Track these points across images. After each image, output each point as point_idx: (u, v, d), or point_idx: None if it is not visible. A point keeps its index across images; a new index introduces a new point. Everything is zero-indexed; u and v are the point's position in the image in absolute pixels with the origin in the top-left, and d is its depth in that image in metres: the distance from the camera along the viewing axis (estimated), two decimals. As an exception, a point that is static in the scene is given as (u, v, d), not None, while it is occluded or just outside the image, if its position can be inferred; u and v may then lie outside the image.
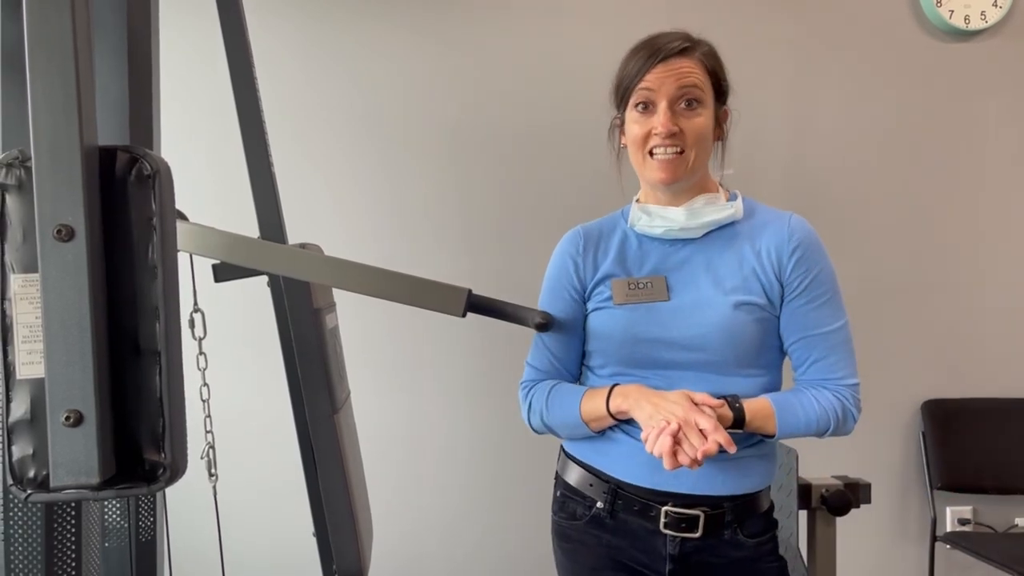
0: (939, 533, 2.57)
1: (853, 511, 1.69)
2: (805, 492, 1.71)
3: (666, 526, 1.24)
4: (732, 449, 1.10)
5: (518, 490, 2.56)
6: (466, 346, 2.53)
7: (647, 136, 1.25)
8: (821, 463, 2.21)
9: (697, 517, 1.24)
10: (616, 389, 1.25)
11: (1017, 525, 2.64)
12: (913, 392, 2.63)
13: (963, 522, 2.62)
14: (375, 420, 2.45)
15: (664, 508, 1.24)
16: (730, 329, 1.22)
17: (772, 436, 1.24)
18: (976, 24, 2.57)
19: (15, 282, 0.80)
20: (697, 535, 1.24)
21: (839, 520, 1.71)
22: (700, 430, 1.11)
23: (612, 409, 1.24)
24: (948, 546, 2.53)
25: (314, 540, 1.73)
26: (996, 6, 2.56)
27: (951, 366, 2.64)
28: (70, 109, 0.76)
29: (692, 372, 1.23)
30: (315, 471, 1.62)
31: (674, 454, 1.11)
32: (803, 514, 1.73)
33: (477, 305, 1.39)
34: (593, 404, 1.27)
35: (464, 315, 1.38)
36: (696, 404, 1.17)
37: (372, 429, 2.38)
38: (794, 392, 1.27)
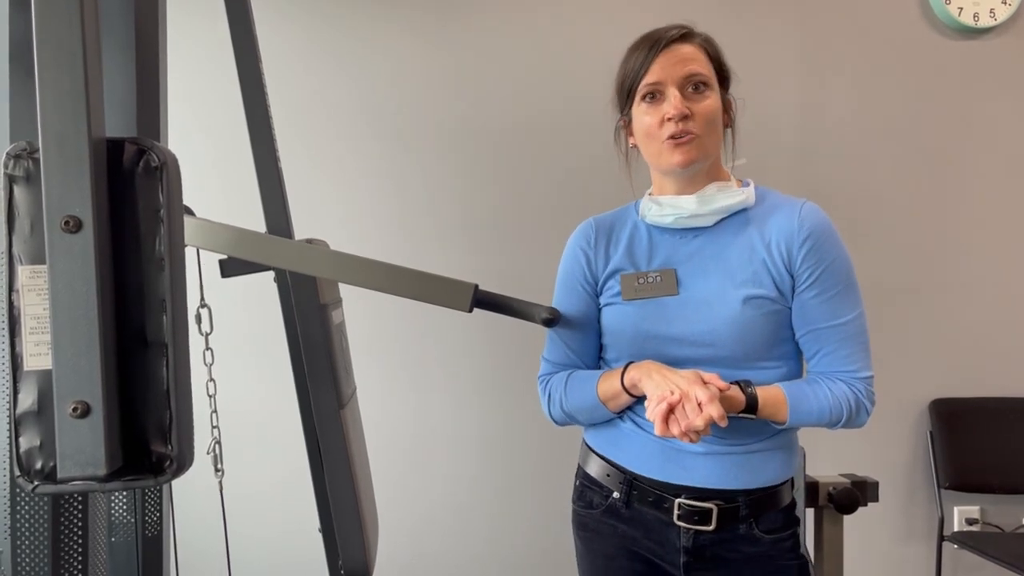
0: (946, 533, 2.56)
1: (860, 510, 1.69)
2: (812, 490, 1.70)
3: (679, 518, 1.25)
4: (723, 423, 1.11)
5: (525, 486, 2.55)
6: (473, 343, 2.53)
7: (660, 123, 1.24)
8: (829, 461, 2.20)
9: (710, 510, 1.24)
10: (632, 364, 1.26)
11: (1025, 525, 2.63)
12: (921, 391, 2.62)
13: (970, 522, 2.61)
14: (383, 417, 2.45)
15: (677, 500, 1.25)
16: (739, 324, 1.22)
17: (783, 423, 1.23)
18: (985, 22, 2.55)
19: (23, 273, 0.80)
20: (710, 528, 1.24)
21: (846, 518, 1.71)
22: (698, 404, 1.11)
23: (626, 383, 1.24)
24: (955, 546, 2.52)
25: (320, 535, 1.73)
26: (1005, 3, 2.55)
27: (959, 365, 2.62)
28: (78, 100, 0.76)
29: (703, 367, 1.22)
30: (321, 466, 1.62)
31: (666, 422, 1.12)
32: (810, 512, 1.73)
33: (484, 301, 1.39)
34: (609, 383, 1.28)
35: (471, 310, 1.38)
36: (704, 383, 1.16)
37: (380, 426, 2.38)
38: (808, 381, 1.27)
